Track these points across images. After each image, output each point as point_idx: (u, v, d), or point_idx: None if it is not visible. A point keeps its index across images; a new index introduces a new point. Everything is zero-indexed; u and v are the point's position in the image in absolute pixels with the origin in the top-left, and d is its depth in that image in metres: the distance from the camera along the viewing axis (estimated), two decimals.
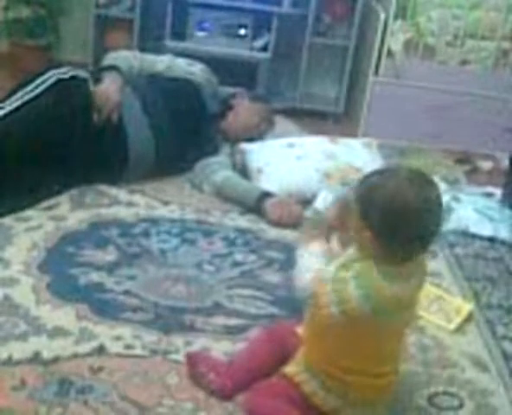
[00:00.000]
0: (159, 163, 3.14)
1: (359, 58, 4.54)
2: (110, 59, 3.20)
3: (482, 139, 4.15)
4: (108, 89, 3.00)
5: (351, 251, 1.78)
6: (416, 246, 1.70)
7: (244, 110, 3.45)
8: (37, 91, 2.87)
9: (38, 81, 2.90)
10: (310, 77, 4.64)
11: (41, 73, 2.94)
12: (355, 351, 1.76)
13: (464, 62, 4.28)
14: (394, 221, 1.64)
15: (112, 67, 3.11)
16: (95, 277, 2.41)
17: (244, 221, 2.95)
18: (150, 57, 3.38)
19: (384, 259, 1.68)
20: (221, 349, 2.11)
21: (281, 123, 3.77)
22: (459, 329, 2.38)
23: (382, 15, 4.14)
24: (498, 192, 3.50)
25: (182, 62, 3.43)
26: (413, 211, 1.63)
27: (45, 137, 2.79)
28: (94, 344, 2.06)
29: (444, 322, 2.39)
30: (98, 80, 3.05)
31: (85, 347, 2.04)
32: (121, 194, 3.03)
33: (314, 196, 3.12)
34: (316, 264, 1.77)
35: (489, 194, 3.53)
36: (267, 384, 1.84)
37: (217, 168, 3.18)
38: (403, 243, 1.67)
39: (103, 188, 3.04)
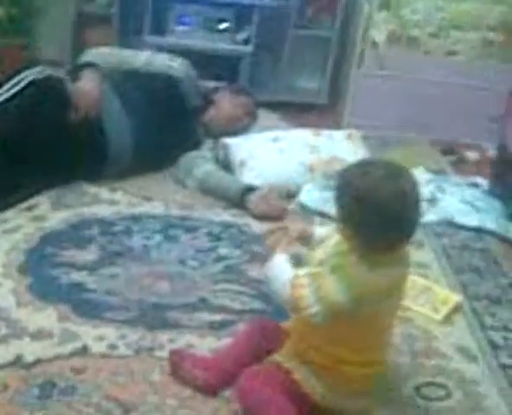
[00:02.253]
0: (140, 159, 3.11)
1: (342, 49, 4.53)
2: (88, 56, 3.18)
3: (468, 130, 4.14)
4: (86, 86, 2.97)
5: (327, 247, 1.77)
6: (394, 239, 1.69)
7: (226, 104, 3.42)
8: (12, 92, 2.84)
9: (12, 82, 2.86)
10: (294, 69, 4.62)
11: (17, 73, 2.89)
12: (342, 341, 1.75)
13: (449, 53, 4.26)
14: (371, 215, 1.64)
15: (90, 64, 3.08)
16: (77, 277, 2.37)
17: (228, 216, 2.93)
18: (128, 53, 3.35)
19: (365, 250, 1.67)
20: (206, 345, 2.08)
21: (264, 116, 3.74)
22: (447, 320, 2.36)
23: (366, 7, 4.12)
24: (485, 182, 3.48)
25: (161, 57, 3.41)
26: (389, 205, 1.62)
27: (21, 137, 2.76)
28: (77, 345, 2.03)
29: (431, 313, 2.37)
30: (75, 78, 3.01)
31: (67, 348, 2.01)
32: (102, 192, 3.00)
33: (298, 189, 3.13)
34: (289, 270, 1.76)
35: (476, 185, 3.51)
36: (258, 370, 1.81)
37: (200, 162, 3.15)
38: (381, 236, 1.66)
39: (83, 186, 3.01)
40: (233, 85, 3.79)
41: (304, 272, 1.73)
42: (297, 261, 1.85)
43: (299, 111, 4.45)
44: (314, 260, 1.78)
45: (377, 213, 1.63)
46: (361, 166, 1.72)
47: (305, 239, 1.92)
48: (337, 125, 4.13)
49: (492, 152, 3.62)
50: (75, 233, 2.65)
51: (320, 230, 1.96)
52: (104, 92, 3.03)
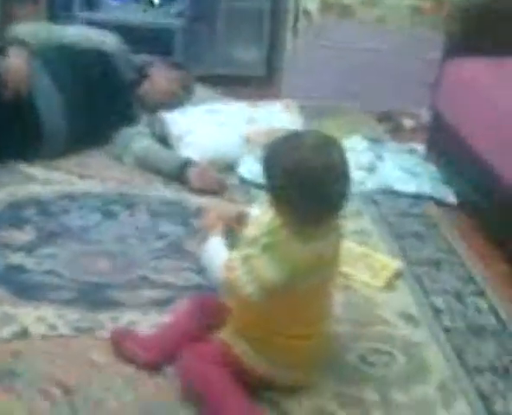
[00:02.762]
0: (75, 136, 3.05)
1: (277, 20, 4.50)
2: (16, 32, 3.08)
3: (404, 97, 4.15)
4: (15, 63, 2.89)
5: (260, 224, 1.75)
6: (324, 212, 1.69)
7: (161, 77, 3.38)
8: None
9: None
10: (230, 42, 4.58)
11: None
12: (280, 316, 1.74)
13: (381, 21, 4.28)
14: (300, 189, 1.63)
15: (18, 41, 2.99)
16: (13, 258, 2.32)
17: (167, 191, 2.90)
18: (58, 28, 3.29)
19: (296, 224, 1.67)
20: (149, 323, 2.05)
21: (201, 90, 3.70)
22: (388, 286, 2.38)
23: None
24: (421, 148, 3.52)
25: (91, 32, 3.35)
26: (316, 177, 1.62)
27: None
28: (16, 328, 1.98)
29: (372, 280, 2.38)
30: (3, 55, 2.93)
31: (6, 332, 1.96)
32: (38, 171, 2.93)
33: (236, 162, 3.11)
34: (223, 253, 1.76)
35: (413, 151, 3.55)
36: (199, 348, 1.80)
37: (137, 138, 3.11)
38: (310, 210, 1.66)
39: (18, 166, 2.93)
40: (167, 58, 3.74)
41: (236, 254, 1.72)
42: (233, 242, 1.83)
43: (237, 84, 4.40)
44: (246, 239, 1.76)
45: (306, 187, 1.62)
46: (289, 139, 1.71)
47: (241, 220, 1.90)
48: (275, 97, 4.09)
49: (427, 119, 3.65)
50: (11, 214, 2.59)
51: (255, 210, 1.95)
52: (34, 70, 2.96)
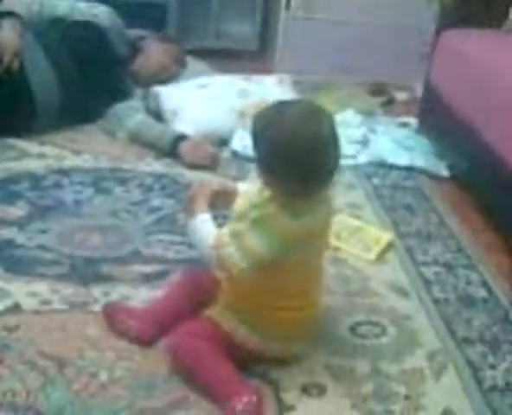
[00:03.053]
0: (67, 111, 3.04)
1: None
2: (7, 4, 3.06)
3: (397, 70, 4.15)
4: (6, 37, 2.88)
5: (248, 198, 1.75)
6: (312, 185, 1.66)
7: (154, 51, 3.38)
8: None
9: None
10: (223, 16, 4.56)
11: None
12: (271, 289, 1.75)
13: None
14: (287, 161, 1.61)
15: (10, 14, 2.97)
16: (6, 233, 2.32)
17: (160, 166, 2.90)
18: (51, 1, 3.24)
19: (284, 197, 1.65)
20: (141, 297, 2.06)
21: (194, 63, 3.68)
22: (380, 259, 2.40)
23: None
24: (414, 121, 3.53)
25: (84, 5, 3.31)
26: (304, 146, 1.60)
27: None
28: (8, 303, 1.99)
29: (364, 253, 2.40)
30: None
31: None
32: (31, 146, 2.93)
33: (230, 136, 3.11)
34: (211, 230, 1.74)
35: (405, 124, 3.56)
36: (189, 325, 1.80)
37: (130, 112, 3.10)
38: (298, 182, 1.63)
39: (11, 141, 2.93)
40: (160, 32, 3.72)
41: (225, 230, 1.70)
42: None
43: (230, 58, 4.39)
44: (235, 213, 1.75)
45: (293, 159, 1.60)
46: (278, 107, 1.68)
47: (228, 194, 1.89)
48: (268, 72, 4.09)
49: (420, 92, 3.65)
50: (3, 189, 2.59)
51: (244, 185, 1.93)
52: (26, 43, 2.95)
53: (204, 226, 1.75)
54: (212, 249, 1.70)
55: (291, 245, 1.67)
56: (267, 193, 1.69)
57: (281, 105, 1.69)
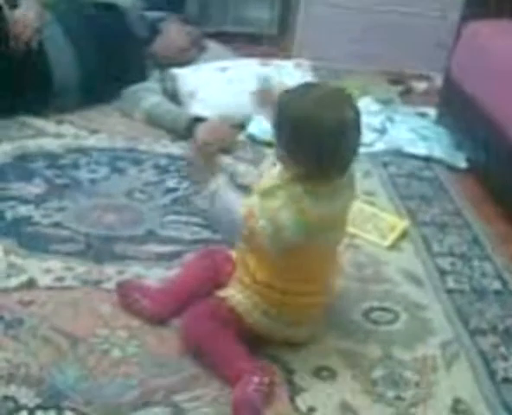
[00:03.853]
0: (85, 90, 3.04)
1: None
2: None
3: (416, 59, 4.12)
4: (26, 15, 2.88)
5: (271, 177, 1.74)
6: (333, 167, 1.65)
7: (173, 33, 3.37)
8: None
9: None
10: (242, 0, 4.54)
11: None
12: (289, 273, 1.75)
13: None
14: (307, 143, 1.60)
15: None
16: (23, 210, 2.33)
17: (175, 148, 2.89)
18: None
19: (306, 180, 1.64)
20: (155, 276, 2.07)
21: (212, 47, 3.67)
22: (394, 246, 2.39)
23: None
24: (432, 112, 3.50)
25: None
26: (327, 129, 1.58)
27: None
28: (23, 278, 2.01)
29: (379, 240, 2.39)
30: (14, 6, 2.91)
31: (14, 282, 1.99)
32: (48, 125, 2.93)
33: (247, 120, 3.10)
34: (236, 197, 1.73)
35: (424, 114, 3.53)
36: (203, 305, 1.81)
37: (147, 94, 3.10)
38: (316, 166, 1.62)
39: (28, 119, 2.93)
40: (179, 15, 3.71)
41: (253, 202, 1.68)
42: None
43: (249, 43, 4.36)
44: (258, 189, 1.73)
45: (315, 140, 1.59)
46: (302, 89, 1.67)
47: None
48: (287, 57, 4.07)
49: (440, 82, 3.62)
50: (20, 167, 2.60)
51: (264, 164, 1.92)
52: (47, 22, 2.95)
53: (227, 193, 1.74)
54: (244, 219, 1.68)
55: (314, 231, 1.66)
56: (287, 176, 1.67)
57: (306, 87, 1.69)
